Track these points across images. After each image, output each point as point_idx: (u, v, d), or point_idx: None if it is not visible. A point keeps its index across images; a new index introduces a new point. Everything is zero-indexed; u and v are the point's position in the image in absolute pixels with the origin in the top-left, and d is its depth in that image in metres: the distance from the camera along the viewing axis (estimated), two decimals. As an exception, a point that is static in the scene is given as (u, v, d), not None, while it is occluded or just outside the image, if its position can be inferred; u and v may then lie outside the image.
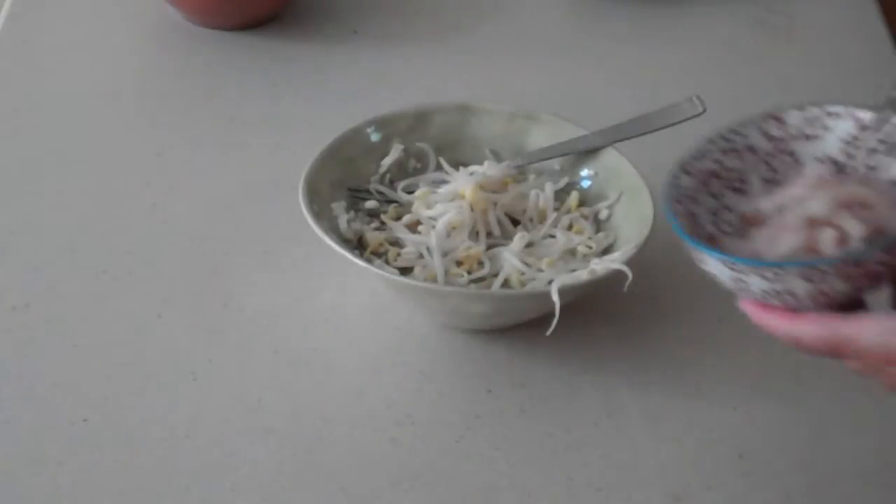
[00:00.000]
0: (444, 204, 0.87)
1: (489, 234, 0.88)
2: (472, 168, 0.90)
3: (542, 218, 0.90)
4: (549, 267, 0.85)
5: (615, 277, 0.81)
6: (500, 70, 1.14)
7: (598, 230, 0.90)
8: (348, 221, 0.88)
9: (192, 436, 0.79)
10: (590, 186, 0.93)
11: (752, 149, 0.70)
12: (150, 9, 1.19)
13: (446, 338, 0.86)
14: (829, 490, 0.77)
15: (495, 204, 0.88)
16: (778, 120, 0.70)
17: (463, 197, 0.87)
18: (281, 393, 0.82)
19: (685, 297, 0.91)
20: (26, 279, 0.89)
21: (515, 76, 1.12)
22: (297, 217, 0.84)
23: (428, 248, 0.85)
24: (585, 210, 0.91)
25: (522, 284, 0.84)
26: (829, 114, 0.69)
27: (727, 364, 0.85)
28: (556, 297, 0.79)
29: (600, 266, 0.82)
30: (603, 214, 0.91)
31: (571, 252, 0.87)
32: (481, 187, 0.87)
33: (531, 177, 0.93)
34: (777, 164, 0.70)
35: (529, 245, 0.87)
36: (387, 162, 0.92)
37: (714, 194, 0.69)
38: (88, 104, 1.09)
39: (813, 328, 0.61)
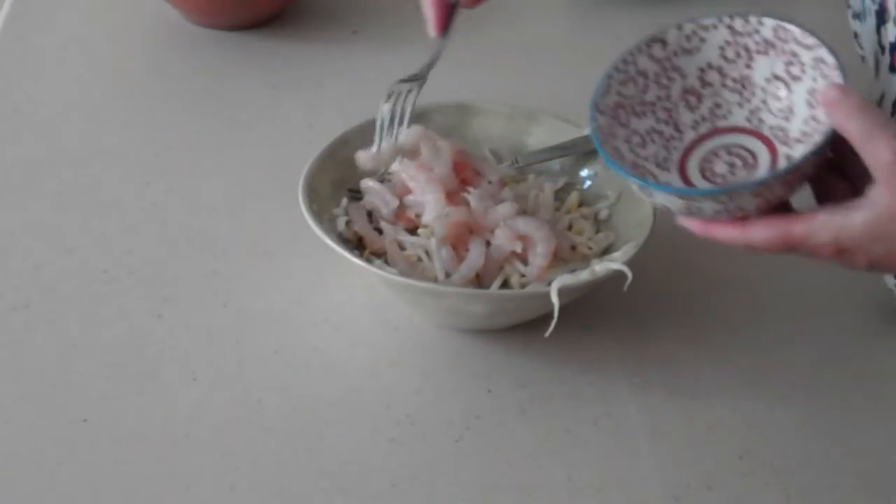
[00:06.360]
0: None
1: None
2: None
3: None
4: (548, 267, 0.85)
5: (615, 277, 0.81)
6: (500, 70, 1.14)
7: (598, 230, 0.90)
8: (347, 222, 0.88)
9: (192, 436, 0.79)
10: (590, 186, 0.93)
11: (643, 73, 0.79)
12: (150, 9, 1.19)
13: (446, 338, 0.86)
14: (829, 490, 0.77)
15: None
16: (660, 41, 0.79)
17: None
18: (281, 393, 0.82)
19: (685, 296, 0.91)
20: (26, 279, 0.89)
21: (515, 76, 1.12)
22: (297, 217, 0.84)
23: (427, 251, 0.85)
24: (585, 210, 0.91)
25: (522, 285, 0.84)
26: (704, 26, 0.78)
27: (727, 364, 0.85)
28: (555, 298, 0.79)
29: (600, 266, 0.82)
30: (603, 214, 0.91)
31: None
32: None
33: (531, 177, 0.93)
34: (665, 80, 0.79)
35: (529, 245, 0.87)
36: (387, 162, 0.92)
37: (622, 123, 0.77)
38: (88, 104, 1.09)
39: (764, 231, 0.70)
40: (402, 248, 0.86)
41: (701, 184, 0.76)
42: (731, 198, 0.70)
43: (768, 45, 0.76)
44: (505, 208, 0.85)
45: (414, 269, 0.84)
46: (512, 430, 0.80)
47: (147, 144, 1.04)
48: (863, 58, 0.97)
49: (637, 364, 0.85)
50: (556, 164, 0.94)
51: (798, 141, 0.75)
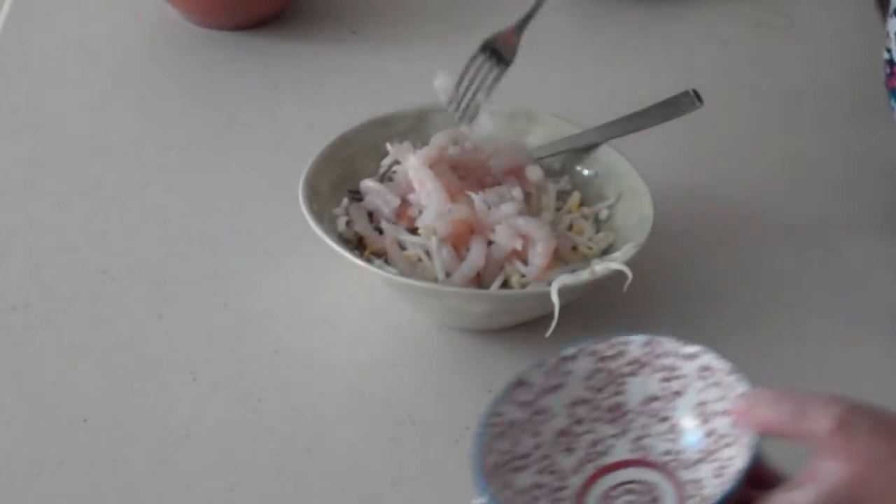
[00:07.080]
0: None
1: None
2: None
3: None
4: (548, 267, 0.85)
5: (615, 277, 0.81)
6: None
7: (598, 230, 0.90)
8: (348, 222, 0.88)
9: (192, 436, 0.79)
10: (590, 187, 0.93)
11: (512, 424, 0.68)
12: (150, 9, 1.19)
13: (446, 338, 0.86)
14: (829, 490, 0.77)
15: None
16: (524, 384, 0.69)
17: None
18: (281, 393, 0.82)
19: (685, 297, 0.91)
20: (26, 279, 0.89)
21: (515, 76, 1.12)
22: (297, 217, 0.84)
23: (427, 251, 0.85)
24: (585, 210, 0.91)
25: (522, 285, 0.84)
26: (565, 359, 0.69)
27: (727, 364, 0.85)
28: (555, 298, 0.79)
29: (600, 266, 0.82)
30: (603, 214, 0.91)
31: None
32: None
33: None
34: (534, 425, 0.69)
35: (529, 245, 0.86)
36: (387, 162, 0.92)
37: (506, 485, 0.68)
38: (88, 104, 1.09)
39: None
40: (402, 247, 0.86)
41: None
42: None
43: (639, 364, 0.68)
44: (507, 207, 0.85)
45: (414, 269, 0.84)
46: (512, 430, 0.80)
47: (147, 144, 1.04)
48: (889, 61, 0.97)
49: (637, 364, 0.85)
50: (556, 164, 0.94)
51: (699, 461, 0.67)
